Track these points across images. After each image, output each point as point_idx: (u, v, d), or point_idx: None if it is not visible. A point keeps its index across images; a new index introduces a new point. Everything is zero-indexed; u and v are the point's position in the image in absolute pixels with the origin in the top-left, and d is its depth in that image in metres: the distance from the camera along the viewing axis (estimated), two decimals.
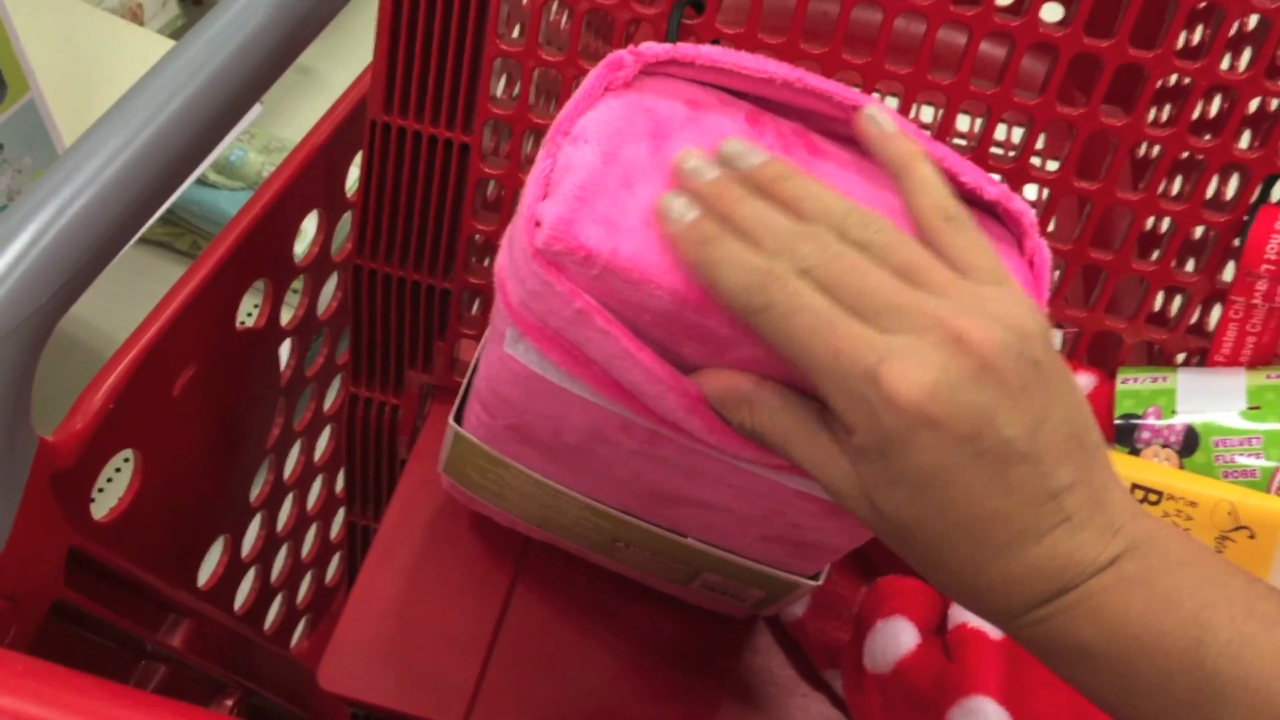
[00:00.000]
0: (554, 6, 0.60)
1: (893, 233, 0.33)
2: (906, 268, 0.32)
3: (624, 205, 0.34)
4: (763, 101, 0.40)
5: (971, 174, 0.38)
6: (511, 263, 0.36)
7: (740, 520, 0.43)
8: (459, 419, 0.48)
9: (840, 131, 0.40)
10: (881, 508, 0.32)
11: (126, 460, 0.51)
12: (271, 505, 0.68)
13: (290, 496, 0.71)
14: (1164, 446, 0.51)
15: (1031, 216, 0.37)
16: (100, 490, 0.49)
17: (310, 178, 0.58)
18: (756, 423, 0.34)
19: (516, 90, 0.53)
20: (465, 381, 0.48)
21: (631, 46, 0.38)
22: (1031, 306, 0.32)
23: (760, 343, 0.33)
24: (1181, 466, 0.50)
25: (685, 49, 0.39)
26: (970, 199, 0.39)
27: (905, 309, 0.30)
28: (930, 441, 0.30)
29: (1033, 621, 0.32)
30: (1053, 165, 0.54)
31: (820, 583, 0.47)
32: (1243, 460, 0.49)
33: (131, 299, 0.89)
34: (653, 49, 0.38)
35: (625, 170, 0.35)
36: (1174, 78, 0.59)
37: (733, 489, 0.41)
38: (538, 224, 0.34)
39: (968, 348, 0.30)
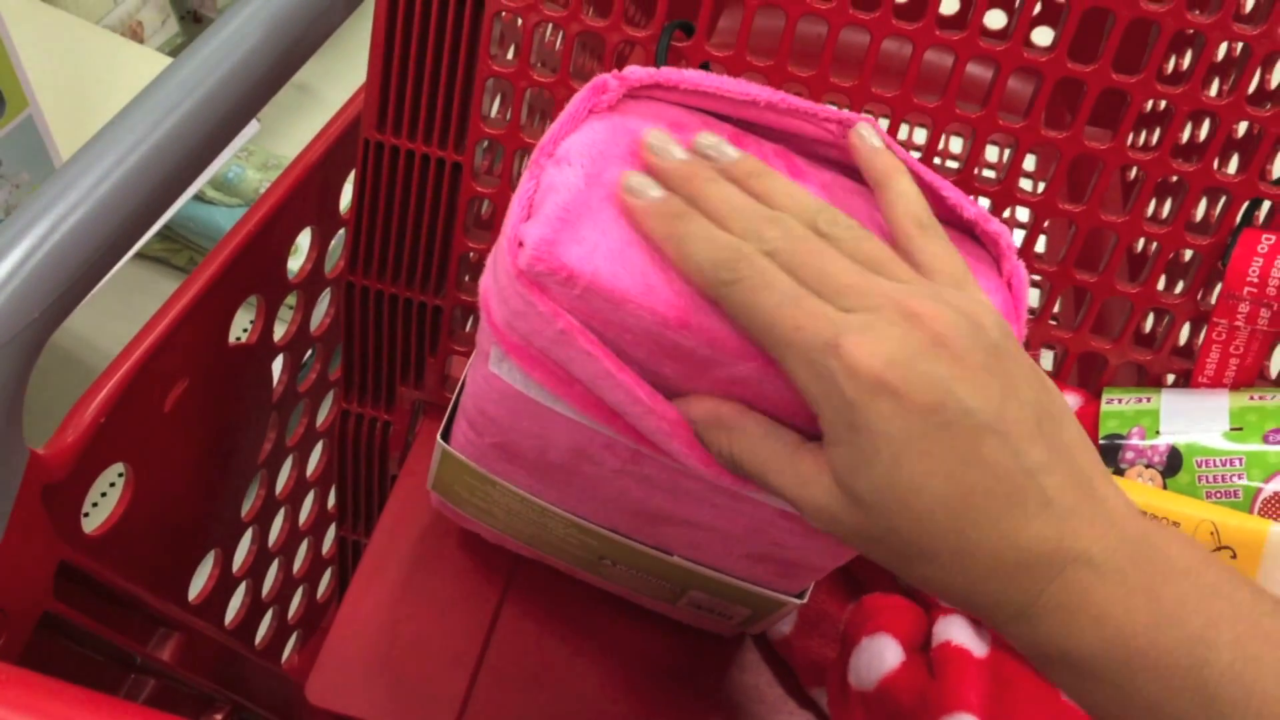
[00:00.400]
0: (547, 27, 0.61)
1: (859, 230, 0.34)
2: (869, 259, 0.33)
3: (606, 226, 0.34)
4: (746, 125, 0.41)
5: (952, 193, 0.39)
6: (495, 283, 0.36)
7: (725, 538, 0.44)
8: (447, 437, 0.48)
9: (823, 154, 0.41)
10: (863, 497, 0.32)
11: (120, 475, 0.51)
12: (263, 520, 0.68)
13: (282, 512, 0.71)
14: (1148, 467, 0.51)
15: (1009, 238, 0.38)
16: (95, 505, 0.49)
17: (304, 195, 0.59)
18: (735, 450, 0.35)
19: (509, 110, 0.54)
20: (453, 400, 0.48)
21: (615, 70, 0.39)
22: (989, 307, 0.33)
23: (740, 365, 0.34)
24: (1165, 487, 0.50)
25: (669, 73, 0.39)
26: (950, 219, 0.39)
27: (864, 290, 0.32)
28: (891, 409, 0.30)
29: (1031, 617, 0.31)
30: (1043, 187, 0.54)
31: (805, 600, 0.47)
32: (1225, 481, 0.49)
33: (128, 314, 0.90)
34: (636, 73, 0.39)
35: (608, 191, 0.35)
36: (1160, 101, 0.60)
37: (716, 508, 0.41)
38: (520, 244, 0.34)
39: (922, 324, 0.31)
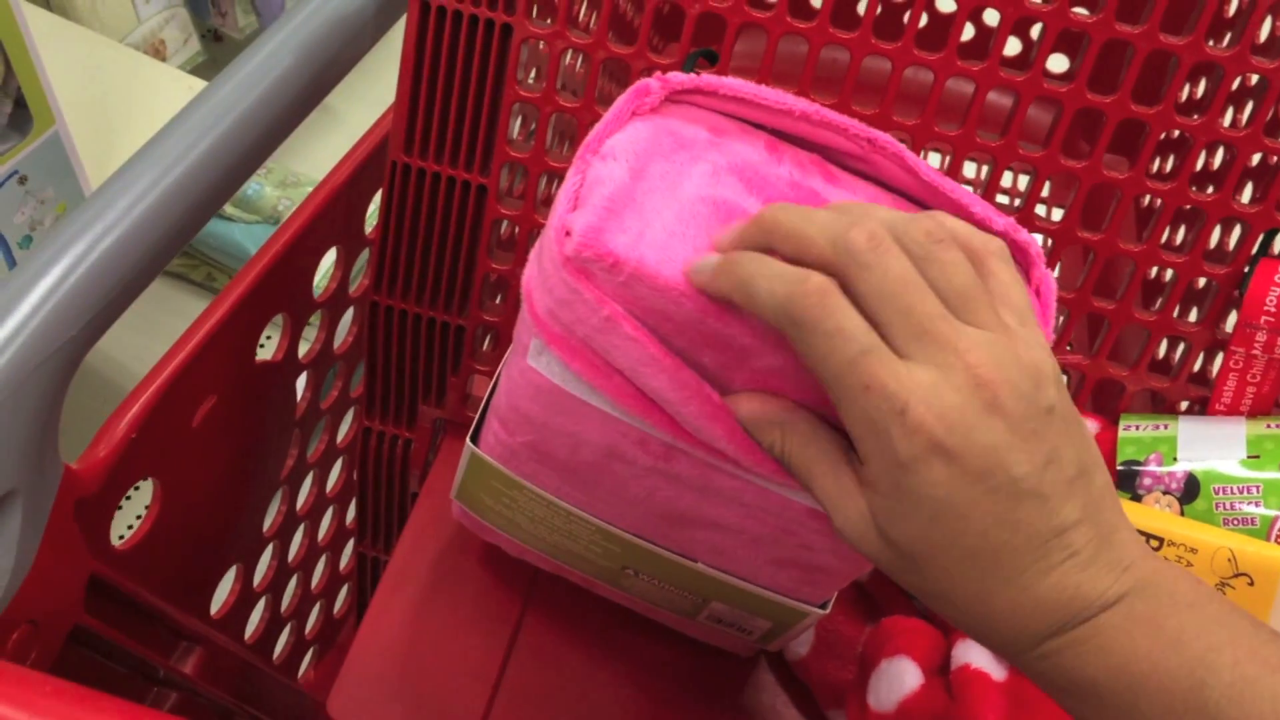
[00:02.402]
0: (572, 53, 0.62)
1: (956, 254, 0.33)
2: (954, 292, 0.32)
3: (650, 217, 0.36)
4: (780, 135, 0.42)
5: (981, 207, 0.39)
6: (540, 272, 0.37)
7: (751, 542, 0.44)
8: (476, 441, 0.49)
9: (855, 168, 0.42)
10: (895, 540, 0.33)
11: (138, 489, 0.52)
12: (284, 536, 0.68)
13: (302, 527, 0.72)
14: (1165, 493, 0.51)
15: (1038, 247, 0.39)
16: (130, 523, 0.49)
17: (331, 215, 0.60)
18: (786, 448, 0.36)
19: (533, 133, 0.55)
20: (484, 401, 0.49)
21: (658, 73, 0.40)
22: (1047, 352, 0.33)
23: (779, 354, 0.35)
24: (1182, 513, 0.51)
25: (709, 79, 0.40)
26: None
27: (941, 342, 0.31)
28: (942, 474, 0.31)
29: (1042, 655, 0.33)
30: (1058, 211, 0.55)
31: (828, 611, 0.48)
32: (1242, 508, 0.50)
33: (146, 329, 0.91)
34: (678, 77, 0.40)
35: (652, 185, 0.36)
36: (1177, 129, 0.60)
37: (745, 508, 0.42)
38: (568, 233, 0.35)
39: (987, 393, 0.31)
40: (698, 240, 0.35)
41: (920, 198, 0.41)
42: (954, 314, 0.32)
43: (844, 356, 0.32)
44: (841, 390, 0.32)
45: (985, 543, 0.32)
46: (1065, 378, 0.60)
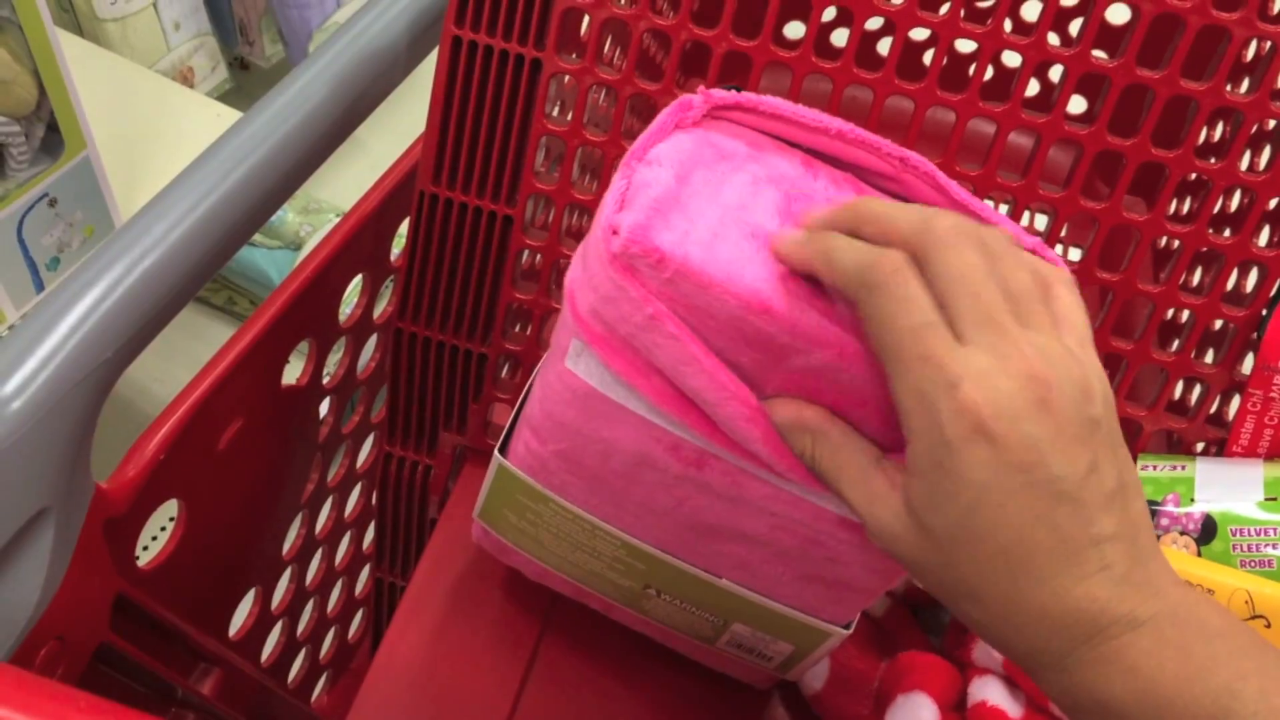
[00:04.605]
0: (599, 89, 0.63)
1: (1026, 259, 0.35)
2: (1020, 294, 0.34)
3: (694, 219, 0.37)
4: (815, 153, 0.43)
5: (1010, 226, 0.40)
6: (585, 271, 0.38)
7: (777, 555, 0.44)
8: (504, 453, 0.49)
9: (887, 188, 0.43)
10: (931, 527, 0.33)
11: (172, 519, 0.53)
12: (302, 559, 0.69)
13: (320, 551, 0.72)
14: (1182, 534, 0.52)
15: (1063, 266, 0.40)
16: (153, 539, 0.50)
17: (358, 243, 0.61)
18: (818, 453, 0.37)
19: (557, 164, 0.56)
20: (513, 414, 0.49)
21: (701, 88, 0.41)
22: (1100, 373, 0.34)
23: (817, 354, 0.36)
24: (1199, 554, 0.51)
25: (749, 96, 0.42)
26: None
27: (1002, 332, 0.32)
28: (985, 458, 0.31)
29: (1066, 669, 0.33)
30: (1074, 250, 0.55)
31: (850, 631, 0.48)
32: (1260, 550, 0.50)
33: (166, 351, 0.91)
34: (720, 94, 0.41)
35: (695, 190, 0.38)
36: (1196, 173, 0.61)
37: (774, 517, 0.42)
38: (614, 231, 0.36)
39: (1038, 386, 0.32)
40: (740, 242, 0.37)
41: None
42: (1015, 313, 0.33)
43: (908, 323, 0.33)
44: (898, 358, 0.33)
45: (1021, 539, 0.32)
46: None
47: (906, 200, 0.42)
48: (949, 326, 0.33)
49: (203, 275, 0.47)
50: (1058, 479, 0.32)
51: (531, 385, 0.47)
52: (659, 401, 0.39)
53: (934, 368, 0.32)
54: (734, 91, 0.42)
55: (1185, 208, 0.73)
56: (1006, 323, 0.33)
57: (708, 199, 0.38)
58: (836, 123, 0.41)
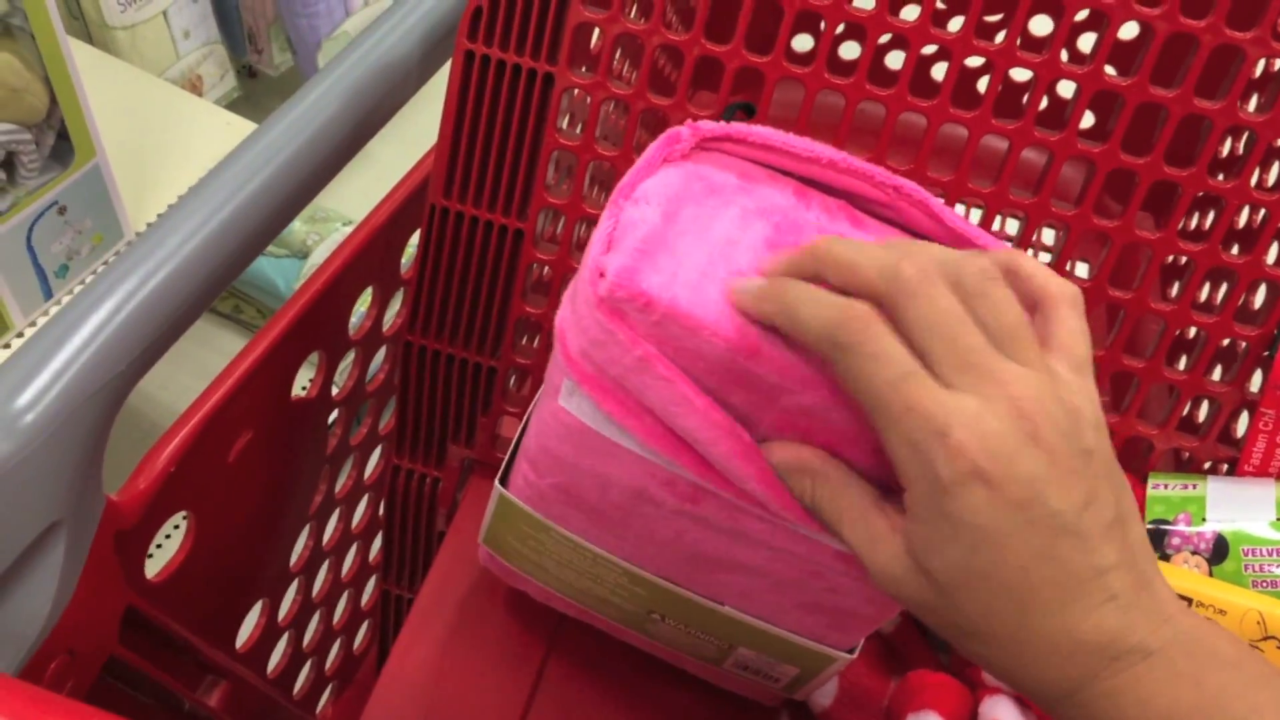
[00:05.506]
0: (610, 104, 0.63)
1: (1004, 289, 0.33)
2: (1003, 330, 0.33)
3: (682, 259, 0.36)
4: (809, 181, 0.42)
5: (1003, 251, 0.40)
6: (574, 314, 0.38)
7: (779, 585, 0.44)
8: (505, 483, 0.49)
9: (884, 215, 0.43)
10: (933, 571, 0.33)
11: (177, 527, 0.53)
12: (309, 571, 0.69)
13: (327, 563, 0.72)
14: (1194, 553, 0.52)
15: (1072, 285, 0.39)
16: (159, 546, 0.50)
17: (369, 256, 0.61)
18: (818, 496, 0.36)
19: (567, 178, 0.56)
20: (513, 444, 0.49)
21: (689, 121, 0.41)
22: (1094, 400, 0.33)
23: (809, 394, 0.35)
24: (1211, 574, 0.51)
25: (739, 127, 0.41)
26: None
27: (985, 375, 0.32)
28: (982, 501, 0.31)
29: (1080, 703, 0.32)
30: (1082, 265, 0.56)
31: (855, 656, 0.48)
32: (1272, 570, 0.50)
33: (171, 357, 0.91)
34: (708, 125, 0.41)
35: (683, 228, 0.37)
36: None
37: (772, 551, 0.42)
38: (601, 274, 0.36)
39: (1029, 424, 0.31)
40: (729, 281, 0.36)
41: (946, 244, 0.41)
42: (999, 349, 0.33)
43: (886, 379, 0.32)
44: (884, 413, 0.32)
45: (1025, 576, 0.32)
46: None
47: (902, 226, 0.42)
48: (930, 371, 0.32)
49: (215, 289, 0.47)
50: (1057, 514, 0.31)
51: (528, 419, 0.47)
52: (652, 442, 0.38)
53: (921, 417, 0.32)
54: (723, 124, 0.41)
55: (1194, 223, 0.73)
56: (989, 363, 0.32)
57: (696, 237, 0.37)
58: (829, 152, 0.41)
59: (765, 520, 0.40)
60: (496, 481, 0.49)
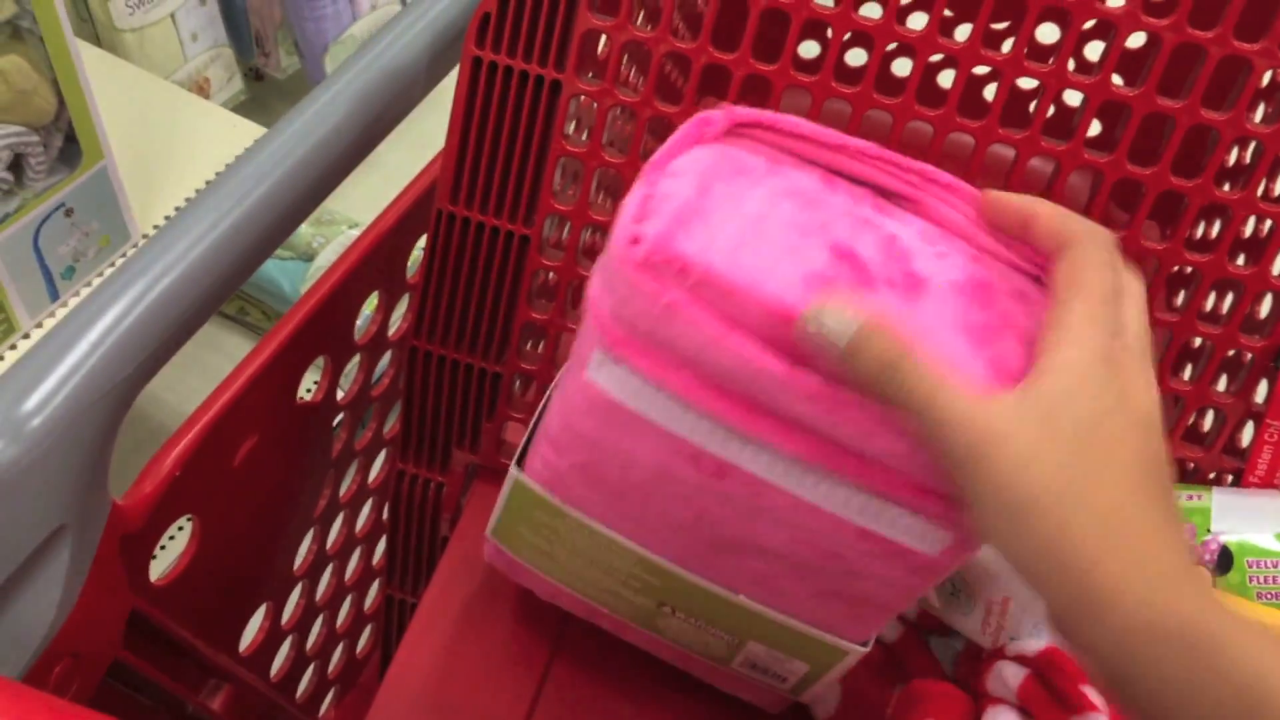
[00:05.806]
0: (617, 110, 0.63)
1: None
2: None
3: (716, 229, 0.37)
4: (834, 170, 0.43)
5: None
6: (605, 281, 0.39)
7: (795, 570, 0.44)
8: (520, 467, 0.49)
9: (906, 210, 0.43)
10: (1059, 422, 0.33)
11: (181, 529, 0.53)
12: (313, 575, 0.69)
13: (330, 567, 0.72)
14: (1198, 565, 0.51)
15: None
16: (163, 547, 0.50)
17: (375, 260, 0.61)
18: (893, 356, 0.35)
19: (573, 184, 0.56)
20: (529, 429, 0.49)
21: (723, 104, 0.42)
22: (1154, 395, 0.36)
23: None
24: (1216, 585, 0.51)
25: (770, 114, 0.42)
26: (1025, 261, 0.41)
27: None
28: (1142, 384, 0.35)
29: (1126, 647, 0.31)
30: None
31: (868, 649, 0.48)
32: (1276, 582, 0.50)
33: (175, 358, 0.92)
34: (741, 110, 0.42)
35: (716, 202, 0.38)
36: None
37: (793, 530, 0.42)
38: (637, 240, 0.36)
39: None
40: (761, 251, 0.37)
41: (976, 235, 0.41)
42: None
43: (1107, 286, 0.37)
44: (1083, 289, 0.36)
45: (1146, 466, 0.33)
46: None
47: (925, 219, 0.42)
48: None
49: (223, 293, 0.48)
50: (1157, 453, 0.34)
51: (549, 399, 0.47)
52: (689, 395, 0.39)
53: (1113, 311, 0.35)
54: (755, 110, 0.42)
55: (1200, 233, 0.73)
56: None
57: (728, 210, 0.38)
58: (855, 141, 0.42)
59: (788, 494, 0.40)
60: (513, 465, 0.49)
